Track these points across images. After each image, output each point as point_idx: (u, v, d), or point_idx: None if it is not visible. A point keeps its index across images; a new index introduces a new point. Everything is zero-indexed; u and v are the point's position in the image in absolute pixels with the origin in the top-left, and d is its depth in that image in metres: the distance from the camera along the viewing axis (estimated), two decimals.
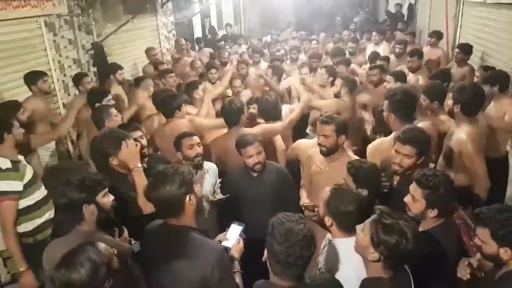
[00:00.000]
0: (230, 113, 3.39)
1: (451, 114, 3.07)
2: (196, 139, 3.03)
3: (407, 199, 2.14)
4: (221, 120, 3.59)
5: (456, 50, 5.42)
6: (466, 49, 5.23)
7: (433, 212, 2.04)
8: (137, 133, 3.00)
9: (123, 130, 2.72)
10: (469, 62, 5.26)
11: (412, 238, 1.62)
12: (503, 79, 3.74)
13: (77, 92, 5.12)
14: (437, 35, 6.36)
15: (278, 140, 3.68)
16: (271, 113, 3.75)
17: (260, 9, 13.71)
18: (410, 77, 4.88)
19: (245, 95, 4.76)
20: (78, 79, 4.88)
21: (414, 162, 2.50)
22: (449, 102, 2.99)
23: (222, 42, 8.06)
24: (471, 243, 2.04)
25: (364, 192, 2.36)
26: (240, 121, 3.41)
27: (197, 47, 8.68)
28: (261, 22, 13.65)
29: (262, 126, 3.59)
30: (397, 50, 6.17)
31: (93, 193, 1.98)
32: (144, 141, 3.01)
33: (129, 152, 2.46)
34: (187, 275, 1.82)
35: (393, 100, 2.91)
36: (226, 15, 12.76)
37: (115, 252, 1.71)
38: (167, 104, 3.70)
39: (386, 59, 5.74)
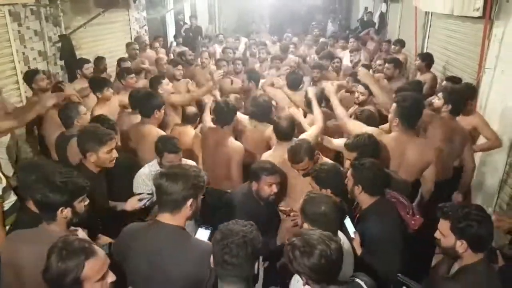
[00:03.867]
0: (224, 113, 3.39)
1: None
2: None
3: (347, 181, 2.48)
4: None
5: (417, 58, 5.70)
6: (424, 57, 5.49)
7: (359, 188, 2.39)
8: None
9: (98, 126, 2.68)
10: (433, 71, 5.45)
11: (333, 251, 1.57)
12: (460, 101, 3.30)
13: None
14: (400, 44, 7.17)
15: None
16: (263, 114, 3.71)
17: (235, 9, 13.66)
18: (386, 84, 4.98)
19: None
20: (30, 77, 4.30)
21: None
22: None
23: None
24: (408, 216, 2.44)
25: (327, 192, 2.46)
26: (233, 121, 3.47)
27: (174, 43, 8.68)
28: (237, 23, 13.60)
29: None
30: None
31: (72, 198, 1.91)
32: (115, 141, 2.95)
33: None
34: (182, 274, 1.79)
35: (401, 105, 2.89)
36: (201, 12, 12.62)
37: None
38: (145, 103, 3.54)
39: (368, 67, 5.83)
